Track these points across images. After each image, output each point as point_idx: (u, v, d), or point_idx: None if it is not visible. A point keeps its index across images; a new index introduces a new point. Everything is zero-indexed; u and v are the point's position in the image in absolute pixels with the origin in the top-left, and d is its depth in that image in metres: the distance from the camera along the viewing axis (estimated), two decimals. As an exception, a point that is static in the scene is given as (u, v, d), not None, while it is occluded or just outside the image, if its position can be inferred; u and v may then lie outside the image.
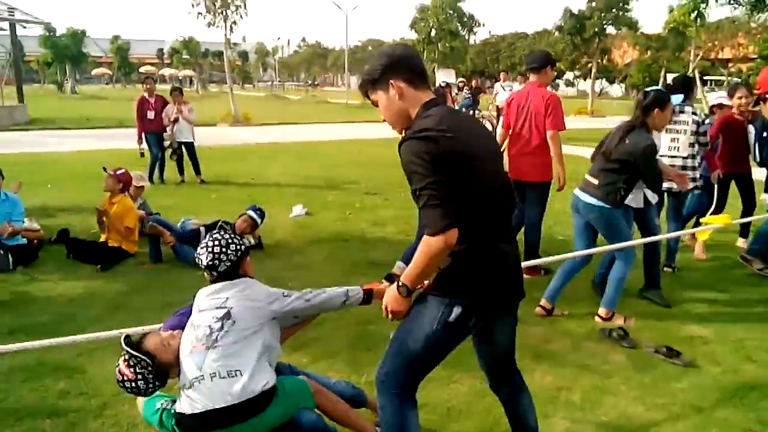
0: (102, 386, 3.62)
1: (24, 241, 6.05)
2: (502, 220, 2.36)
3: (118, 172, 6.31)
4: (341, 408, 2.88)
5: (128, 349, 2.61)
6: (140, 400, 2.85)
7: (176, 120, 10.24)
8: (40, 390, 3.58)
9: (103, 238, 6.22)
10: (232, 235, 2.86)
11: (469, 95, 19.61)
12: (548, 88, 5.60)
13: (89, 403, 3.44)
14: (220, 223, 6.37)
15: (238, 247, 2.80)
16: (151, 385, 2.64)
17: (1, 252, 5.75)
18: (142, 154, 10.64)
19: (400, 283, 2.29)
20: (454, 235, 2.10)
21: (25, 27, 28.29)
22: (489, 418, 3.24)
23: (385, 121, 2.39)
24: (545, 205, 5.70)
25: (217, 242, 2.78)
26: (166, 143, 10.43)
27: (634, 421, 3.31)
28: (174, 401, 2.67)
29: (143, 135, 10.46)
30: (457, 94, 21.97)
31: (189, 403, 2.53)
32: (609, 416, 3.34)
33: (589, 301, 5.03)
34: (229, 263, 2.75)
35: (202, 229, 6.33)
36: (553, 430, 3.16)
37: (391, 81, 2.29)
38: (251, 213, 6.38)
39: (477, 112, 19.14)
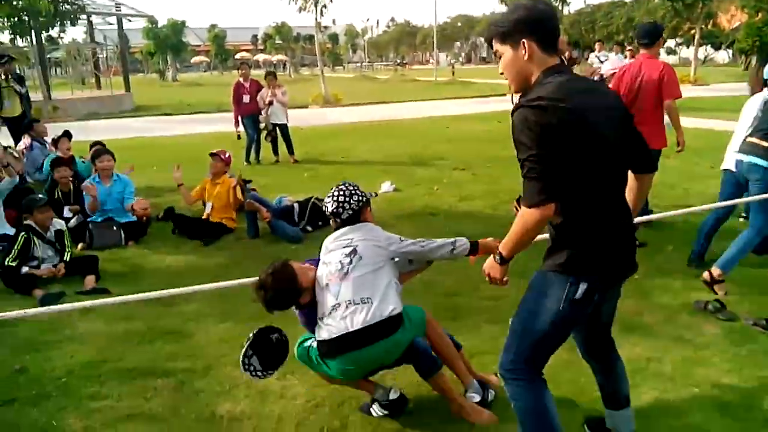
0: (206, 349, 3.90)
1: (134, 218, 6.51)
2: (620, 191, 2.31)
3: (226, 155, 6.68)
4: (445, 343, 3.15)
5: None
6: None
7: (271, 103, 10.57)
8: (152, 352, 3.90)
9: (205, 215, 6.60)
10: (355, 187, 3.17)
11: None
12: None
13: (195, 365, 3.71)
14: (312, 200, 6.61)
15: (360, 197, 3.13)
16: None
17: (114, 228, 6.23)
18: (239, 137, 11.08)
19: (498, 251, 2.32)
20: (551, 210, 2.07)
21: (130, 21, 29.99)
22: (575, 388, 3.24)
23: (502, 74, 2.30)
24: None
25: (341, 192, 3.11)
26: (261, 125, 10.82)
27: (727, 393, 3.21)
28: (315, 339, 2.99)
29: (239, 118, 10.90)
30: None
31: (327, 330, 2.85)
32: (700, 387, 3.26)
33: (683, 275, 4.88)
34: (351, 211, 3.09)
35: (296, 205, 6.59)
36: (641, 400, 3.11)
37: (524, 40, 2.16)
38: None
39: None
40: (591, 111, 2.10)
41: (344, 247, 2.98)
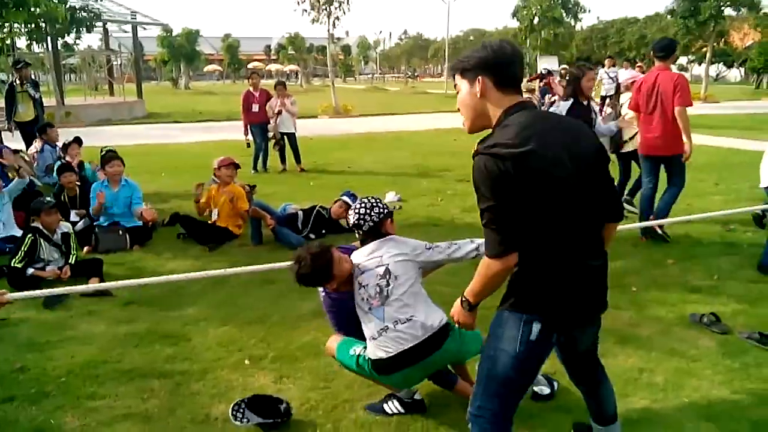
0: (204, 353, 3.95)
1: (140, 223, 6.60)
2: (589, 233, 2.21)
3: (235, 162, 6.77)
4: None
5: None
6: (333, 345, 3.31)
7: (280, 112, 10.69)
8: (150, 354, 3.95)
9: (211, 221, 6.67)
10: (377, 200, 3.25)
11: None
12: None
13: (192, 368, 3.76)
14: (317, 209, 6.67)
15: (381, 210, 3.21)
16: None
17: (120, 233, 6.32)
18: (248, 145, 11.17)
19: (463, 298, 2.30)
20: (513, 259, 2.05)
21: (145, 29, 30.36)
22: (567, 395, 3.27)
23: (458, 110, 2.29)
24: (684, 172, 6.11)
25: (363, 205, 3.20)
26: (270, 134, 10.93)
27: (717, 405, 3.24)
28: (365, 347, 3.10)
29: (248, 126, 11.02)
30: (559, 81, 21.44)
31: (383, 349, 2.97)
32: (691, 398, 3.29)
33: (681, 288, 4.91)
34: (372, 223, 3.16)
35: (300, 212, 6.66)
36: (632, 409, 3.15)
37: (480, 76, 2.13)
38: (345, 198, 6.64)
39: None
40: (553, 153, 2.02)
41: (377, 267, 3.06)
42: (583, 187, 2.10)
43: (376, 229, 3.17)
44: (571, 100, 5.94)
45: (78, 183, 7.17)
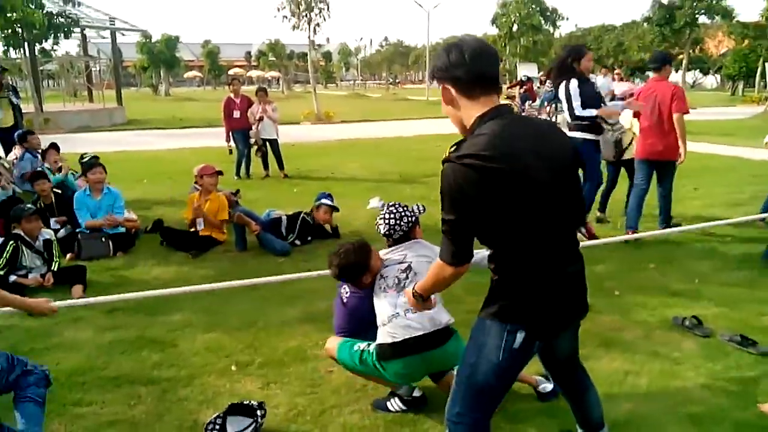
0: (191, 359, 3.94)
1: (123, 230, 6.56)
2: (565, 239, 2.21)
3: (216, 169, 6.75)
4: None
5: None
6: (334, 345, 3.37)
7: (261, 119, 10.67)
8: (137, 361, 3.94)
9: (194, 229, 6.64)
10: (405, 208, 3.34)
11: (551, 88, 19.30)
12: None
13: (179, 374, 3.75)
14: (302, 215, 6.64)
15: (410, 218, 3.31)
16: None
17: (103, 240, 6.27)
18: (230, 151, 11.11)
19: (415, 292, 2.38)
20: (465, 269, 2.11)
21: (124, 35, 30.10)
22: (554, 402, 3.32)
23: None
24: (673, 178, 6.55)
25: (392, 215, 3.29)
26: (252, 140, 10.91)
27: (699, 406, 3.30)
28: (369, 344, 3.21)
29: (230, 133, 10.99)
30: (538, 87, 21.68)
31: (389, 335, 3.07)
32: (674, 400, 3.35)
33: (663, 292, 4.99)
34: (402, 232, 3.29)
35: (284, 217, 6.64)
36: (616, 412, 3.19)
37: (444, 84, 2.08)
38: (326, 201, 6.66)
39: (560, 105, 18.81)
40: (525, 162, 1.98)
41: (399, 263, 3.21)
42: (557, 192, 2.09)
43: (405, 238, 3.31)
44: (577, 80, 6.10)
45: (56, 191, 7.11)
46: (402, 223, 3.26)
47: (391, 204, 3.37)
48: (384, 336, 3.11)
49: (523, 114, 20.83)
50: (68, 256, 6.05)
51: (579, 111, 6.12)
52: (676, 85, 6.46)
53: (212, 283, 4.18)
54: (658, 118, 6.22)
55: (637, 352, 3.93)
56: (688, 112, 6.27)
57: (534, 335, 2.19)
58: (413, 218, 3.32)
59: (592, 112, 6.11)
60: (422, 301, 2.40)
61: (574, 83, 6.12)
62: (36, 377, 2.95)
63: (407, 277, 3.13)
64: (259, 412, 3.14)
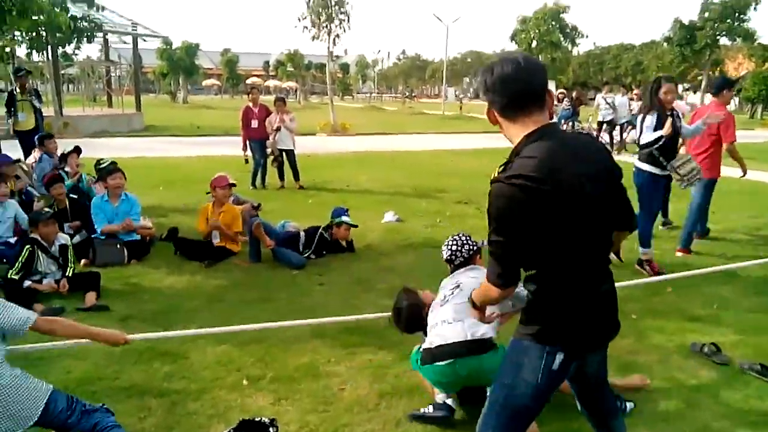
0: (202, 372, 3.91)
1: (138, 237, 6.57)
2: (601, 257, 2.21)
3: (231, 181, 6.74)
4: None
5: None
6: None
7: (278, 129, 10.69)
8: (148, 372, 3.91)
9: (209, 240, 6.62)
10: (468, 237, 3.67)
11: (569, 106, 19.22)
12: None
13: (190, 387, 3.72)
14: (320, 231, 6.59)
15: (471, 246, 3.64)
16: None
17: (118, 246, 6.28)
18: (247, 161, 11.15)
19: (470, 298, 2.43)
20: (511, 291, 2.13)
21: (145, 41, 30.38)
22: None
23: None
24: (711, 194, 6.89)
25: (455, 243, 3.65)
26: (268, 150, 10.93)
27: (719, 438, 3.22)
28: (420, 347, 3.46)
29: (247, 142, 11.01)
30: (556, 105, 21.60)
31: (428, 341, 3.32)
32: (691, 429, 3.27)
33: (680, 316, 4.91)
34: (462, 259, 3.62)
35: (302, 233, 6.59)
36: (633, 441, 3.12)
37: (488, 103, 2.09)
38: (347, 219, 6.63)
39: (577, 123, 18.76)
40: (571, 183, 1.98)
41: (452, 285, 3.46)
42: (600, 209, 2.09)
43: (465, 264, 3.61)
44: (656, 113, 5.83)
45: (73, 195, 7.14)
46: (463, 251, 3.59)
47: (457, 234, 3.70)
48: (425, 342, 3.36)
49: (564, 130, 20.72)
50: (83, 261, 6.06)
51: (646, 137, 5.84)
52: (728, 112, 6.71)
53: (268, 323, 4.26)
54: (704, 138, 6.59)
55: (654, 377, 3.85)
56: (734, 140, 6.64)
57: (572, 356, 2.18)
58: (474, 248, 3.63)
59: (655, 134, 5.76)
60: (474, 307, 2.43)
61: (650, 120, 5.83)
62: (99, 413, 2.95)
63: (452, 293, 3.37)
64: (271, 430, 3.10)
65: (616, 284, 2.30)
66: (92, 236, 6.48)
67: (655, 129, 5.80)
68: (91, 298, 5.12)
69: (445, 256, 3.67)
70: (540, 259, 2.11)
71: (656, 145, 5.82)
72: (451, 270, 3.66)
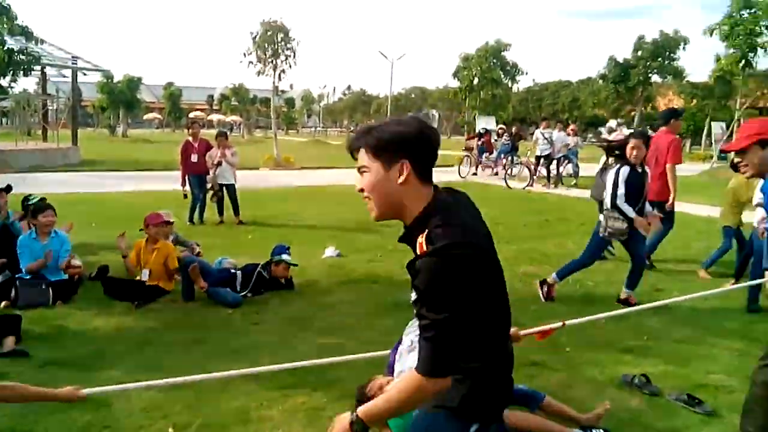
0: (124, 420, 3.73)
1: (65, 276, 6.29)
2: (508, 323, 2.08)
3: (169, 219, 6.59)
4: (535, 421, 3.53)
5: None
6: None
7: (219, 163, 10.54)
8: (67, 421, 3.70)
9: (140, 279, 6.40)
10: None
11: (509, 141, 19.72)
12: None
13: (112, 436, 3.53)
14: (258, 269, 6.45)
15: None
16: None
17: (43, 286, 6.00)
18: (185, 196, 10.90)
19: (355, 418, 1.89)
20: (447, 382, 1.80)
21: (85, 74, 29.75)
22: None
23: (362, 192, 1.97)
24: (673, 217, 7.69)
25: None
26: (208, 185, 10.74)
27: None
28: None
29: (186, 177, 10.80)
30: (496, 140, 22.10)
31: None
32: (623, 464, 3.29)
33: (614, 349, 4.99)
34: None
35: (239, 273, 6.42)
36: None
37: (404, 161, 1.85)
38: (286, 258, 6.53)
39: (516, 158, 19.24)
40: (484, 247, 1.88)
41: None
42: (500, 269, 1.99)
43: None
44: (628, 167, 5.92)
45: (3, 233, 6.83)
46: None
47: None
48: None
49: (480, 164, 21.18)
50: (3, 303, 5.75)
51: (620, 201, 5.91)
52: (675, 137, 7.50)
53: (193, 375, 4.07)
54: (657, 163, 7.22)
55: (586, 411, 3.85)
56: (680, 162, 7.35)
57: (487, 427, 2.05)
58: None
59: (630, 212, 5.88)
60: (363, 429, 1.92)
61: (623, 172, 5.92)
62: None
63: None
64: None
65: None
66: (16, 276, 6.16)
67: (626, 181, 5.88)
68: (9, 342, 4.83)
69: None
70: (473, 335, 1.88)
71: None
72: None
